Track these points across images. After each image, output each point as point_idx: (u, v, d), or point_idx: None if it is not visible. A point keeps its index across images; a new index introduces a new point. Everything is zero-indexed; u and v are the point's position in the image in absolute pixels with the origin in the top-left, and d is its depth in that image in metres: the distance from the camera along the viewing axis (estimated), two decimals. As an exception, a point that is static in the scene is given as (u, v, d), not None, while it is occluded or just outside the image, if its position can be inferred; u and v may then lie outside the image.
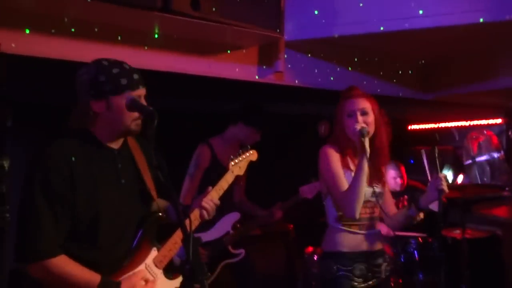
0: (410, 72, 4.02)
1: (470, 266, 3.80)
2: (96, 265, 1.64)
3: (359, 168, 2.12)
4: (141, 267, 1.76)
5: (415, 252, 3.66)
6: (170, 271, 1.86)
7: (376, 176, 2.23)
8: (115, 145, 1.75)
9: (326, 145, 2.27)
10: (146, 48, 2.80)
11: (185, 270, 1.16)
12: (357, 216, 2.12)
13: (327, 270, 2.21)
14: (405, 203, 4.07)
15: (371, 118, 2.22)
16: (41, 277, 1.60)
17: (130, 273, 1.72)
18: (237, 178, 2.19)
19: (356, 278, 2.18)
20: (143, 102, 1.69)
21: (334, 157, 2.22)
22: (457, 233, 3.85)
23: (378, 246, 2.29)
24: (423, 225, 3.97)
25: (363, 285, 2.19)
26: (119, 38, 2.68)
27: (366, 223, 2.24)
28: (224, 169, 2.17)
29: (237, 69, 3.10)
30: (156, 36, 2.80)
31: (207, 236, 3.03)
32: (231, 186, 3.11)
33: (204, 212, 1.88)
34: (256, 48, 3.18)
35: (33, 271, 1.59)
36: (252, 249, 3.34)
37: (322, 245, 2.31)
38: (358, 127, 2.15)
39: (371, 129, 2.20)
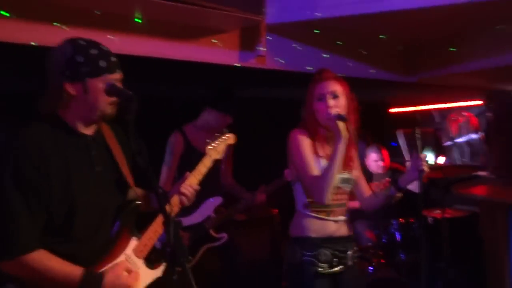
0: (391, 54, 4.04)
1: (450, 244, 3.89)
2: (73, 258, 1.55)
3: (336, 153, 2.06)
4: (121, 258, 1.67)
5: (397, 233, 3.72)
6: (151, 261, 1.79)
7: (345, 162, 2.17)
8: (88, 131, 1.65)
9: (296, 130, 2.21)
10: (126, 33, 2.76)
11: (166, 253, 1.16)
12: (326, 201, 2.08)
13: (292, 255, 2.18)
14: (387, 185, 4.14)
15: (342, 101, 2.16)
16: (18, 274, 1.49)
17: (111, 264, 1.64)
18: (217, 162, 2.18)
19: (320, 264, 2.14)
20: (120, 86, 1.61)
21: (305, 141, 2.17)
22: (437, 213, 3.93)
23: (346, 232, 2.25)
24: (404, 206, 4.06)
25: (328, 270, 2.16)
26: (99, 22, 2.64)
27: (335, 209, 2.21)
28: (200, 155, 2.13)
29: (218, 54, 3.08)
30: (136, 20, 2.76)
31: (189, 220, 3.05)
32: (216, 170, 3.13)
33: (184, 198, 1.83)
34: (237, 32, 3.16)
35: (9, 268, 1.48)
36: (237, 234, 3.36)
37: (290, 230, 2.27)
38: (334, 112, 2.09)
39: (342, 112, 2.14)
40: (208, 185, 2.50)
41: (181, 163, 3.15)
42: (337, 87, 2.17)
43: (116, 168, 1.72)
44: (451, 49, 3.78)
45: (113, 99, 1.58)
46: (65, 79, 1.53)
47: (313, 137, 2.20)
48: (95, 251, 1.63)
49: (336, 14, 3.10)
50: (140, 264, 1.74)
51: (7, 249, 1.46)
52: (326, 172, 2.07)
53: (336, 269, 2.19)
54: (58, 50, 1.56)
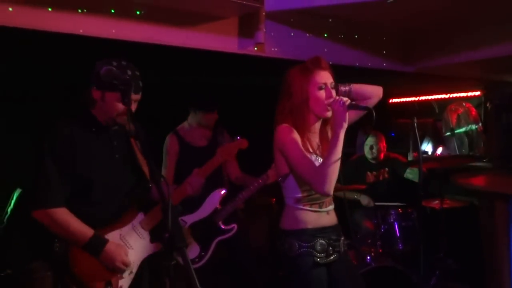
0: (391, 44, 4.01)
1: (447, 235, 3.89)
2: (92, 217, 1.98)
3: (338, 140, 2.01)
4: (129, 226, 2.10)
5: (395, 222, 3.71)
6: (155, 235, 2.13)
7: None
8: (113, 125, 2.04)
9: (283, 125, 2.13)
10: (124, 18, 2.72)
11: (164, 238, 1.14)
12: (331, 192, 2.03)
13: (289, 248, 2.15)
14: (386, 175, 4.13)
15: (335, 93, 2.14)
16: (45, 223, 1.94)
17: (119, 230, 2.05)
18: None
19: (318, 254, 2.15)
20: (134, 105, 1.99)
21: (296, 136, 2.10)
22: (435, 203, 3.93)
23: (336, 221, 2.27)
24: (404, 195, 4.05)
25: (325, 260, 2.16)
26: (94, 8, 2.60)
27: (325, 200, 2.21)
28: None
29: (216, 40, 3.04)
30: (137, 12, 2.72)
31: (195, 216, 3.02)
32: (221, 167, 3.11)
33: (188, 186, 2.22)
34: (236, 18, 3.12)
35: (40, 217, 1.94)
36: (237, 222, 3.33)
37: (281, 224, 2.23)
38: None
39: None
40: (210, 180, 2.52)
41: (178, 163, 3.16)
42: (332, 79, 2.14)
43: (133, 156, 2.11)
44: (449, 39, 3.71)
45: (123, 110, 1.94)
46: (93, 85, 1.98)
47: (302, 129, 2.13)
48: (107, 216, 2.06)
49: (335, 2, 3.08)
50: (145, 234, 2.13)
51: (39, 202, 1.93)
52: (329, 161, 2.01)
53: (331, 258, 2.19)
54: (102, 62, 1.98)
